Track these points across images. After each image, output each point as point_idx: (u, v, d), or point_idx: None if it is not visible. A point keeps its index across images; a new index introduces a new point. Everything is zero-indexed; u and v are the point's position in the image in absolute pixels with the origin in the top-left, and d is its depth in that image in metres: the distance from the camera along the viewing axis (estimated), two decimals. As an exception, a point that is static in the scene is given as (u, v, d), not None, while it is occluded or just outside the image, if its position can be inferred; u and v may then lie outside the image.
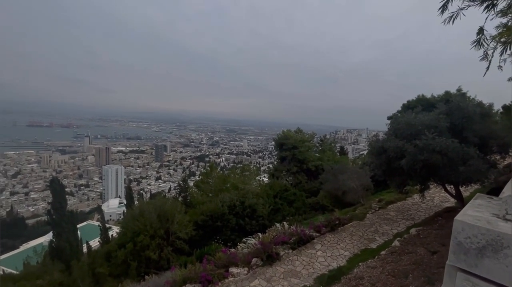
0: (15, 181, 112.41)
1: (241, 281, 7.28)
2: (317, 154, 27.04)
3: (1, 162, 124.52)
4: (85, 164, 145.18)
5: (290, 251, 8.88)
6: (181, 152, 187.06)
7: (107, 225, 23.27)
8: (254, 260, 8.12)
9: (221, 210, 14.00)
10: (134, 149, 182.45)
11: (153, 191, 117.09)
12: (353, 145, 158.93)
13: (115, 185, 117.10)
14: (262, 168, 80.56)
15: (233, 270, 7.76)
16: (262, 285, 7.11)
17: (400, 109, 18.48)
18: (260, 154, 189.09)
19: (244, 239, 10.49)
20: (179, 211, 12.58)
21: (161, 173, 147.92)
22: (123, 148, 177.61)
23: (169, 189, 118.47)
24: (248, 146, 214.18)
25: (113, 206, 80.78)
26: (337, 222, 10.34)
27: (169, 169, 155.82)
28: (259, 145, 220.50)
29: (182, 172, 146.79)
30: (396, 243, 8.65)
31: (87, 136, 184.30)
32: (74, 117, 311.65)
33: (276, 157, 31.52)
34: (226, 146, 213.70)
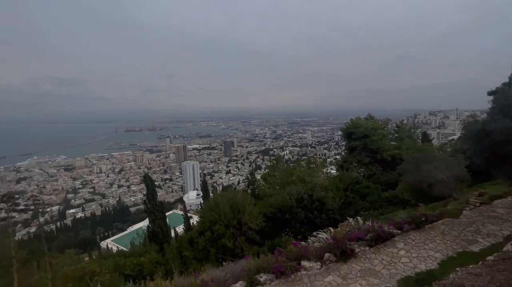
0: (120, 177, 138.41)
1: (314, 276, 7.12)
2: (393, 143, 24.19)
3: (110, 161, 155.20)
4: (168, 161, 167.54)
5: (367, 248, 8.22)
6: (247, 147, 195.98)
7: (188, 215, 26.43)
8: (326, 255, 7.83)
9: (289, 203, 14.04)
10: (206, 146, 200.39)
11: (224, 184, 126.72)
12: (438, 130, 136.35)
13: (193, 178, 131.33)
14: (328, 159, 77.19)
15: (305, 263, 7.66)
16: (337, 281, 6.79)
17: (508, 80, 14.66)
18: (326, 145, 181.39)
19: (314, 233, 10.24)
20: (249, 203, 13.21)
21: (230, 167, 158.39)
22: (197, 146, 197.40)
23: (238, 182, 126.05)
24: (312, 137, 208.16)
25: (192, 197, 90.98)
26: (423, 218, 9.02)
27: (237, 163, 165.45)
28: (323, 136, 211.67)
29: (249, 166, 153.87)
30: (509, 247, 6.98)
31: (168, 136, 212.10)
32: (157, 121, 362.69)
33: (344, 148, 29.62)
34: (290, 139, 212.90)
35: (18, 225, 69.10)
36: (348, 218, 10.85)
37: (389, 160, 22.14)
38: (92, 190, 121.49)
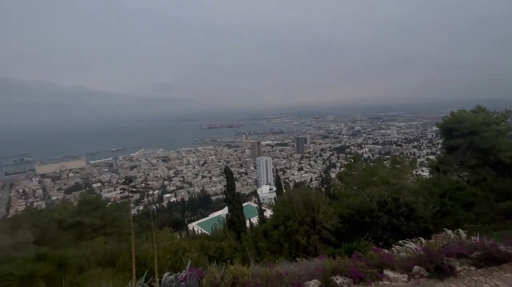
0: (203, 168, 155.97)
1: (400, 289, 6.36)
2: (514, 141, 19.00)
3: (195, 155, 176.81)
4: (244, 156, 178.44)
5: (472, 268, 6.77)
6: (320, 143, 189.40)
7: (262, 207, 27.68)
8: (416, 268, 6.86)
9: (369, 205, 12.90)
10: (279, 142, 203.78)
11: (296, 181, 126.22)
12: None
13: (265, 173, 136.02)
14: (419, 160, 66.68)
15: (389, 273, 6.91)
16: (430, 300, 5.87)
17: None
18: (415, 143, 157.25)
19: (400, 242, 9.12)
20: (323, 201, 12.82)
21: (302, 164, 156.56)
22: (270, 142, 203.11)
23: (311, 180, 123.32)
24: (397, 134, 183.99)
25: (265, 191, 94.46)
26: None
27: (309, 160, 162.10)
28: (413, 132, 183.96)
29: (322, 163, 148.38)
30: None
31: (243, 133, 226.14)
32: (235, 119, 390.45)
33: (440, 146, 25.02)
34: (370, 136, 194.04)
35: (132, 203, 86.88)
36: (445, 229, 9.20)
37: (507, 163, 17.50)
38: (182, 179, 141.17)
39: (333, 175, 25.58)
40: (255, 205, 63.66)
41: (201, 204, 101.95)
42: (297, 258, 10.37)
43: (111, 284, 7.18)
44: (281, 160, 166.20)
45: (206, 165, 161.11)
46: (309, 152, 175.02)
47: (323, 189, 20.47)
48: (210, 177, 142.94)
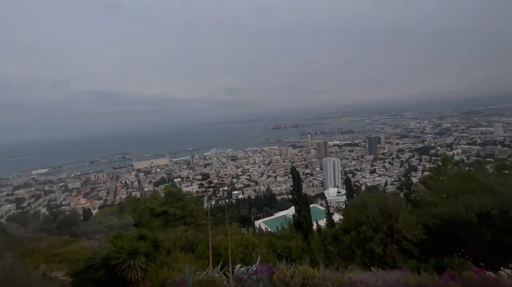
0: (269, 168, 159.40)
1: (515, 324, 5.14)
2: None
3: (261, 154, 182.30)
4: (309, 156, 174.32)
5: None
6: (397, 143, 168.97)
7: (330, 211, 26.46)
8: (539, 301, 5.41)
9: (464, 216, 10.78)
10: (348, 142, 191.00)
11: (368, 184, 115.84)
12: None
13: (333, 175, 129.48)
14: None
15: (497, 302, 5.66)
16: None
17: None
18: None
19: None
20: (403, 209, 11.38)
21: (375, 166, 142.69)
22: (338, 142, 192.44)
23: (385, 184, 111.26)
24: (504, 132, 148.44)
25: (332, 194, 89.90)
26: None
27: (384, 162, 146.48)
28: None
29: (400, 166, 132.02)
30: None
31: (309, 133, 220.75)
32: (300, 119, 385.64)
33: None
34: (463, 134, 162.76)
35: (206, 197, 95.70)
36: None
37: None
38: (249, 177, 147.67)
39: (414, 180, 22.41)
40: (322, 207, 61.31)
41: (267, 203, 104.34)
42: (372, 268, 9.54)
43: (193, 268, 8.10)
44: (351, 162, 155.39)
45: (271, 165, 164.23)
46: (383, 153, 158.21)
47: (401, 195, 18.17)
48: (275, 177, 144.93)
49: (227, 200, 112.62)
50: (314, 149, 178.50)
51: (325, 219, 23.59)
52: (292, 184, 19.72)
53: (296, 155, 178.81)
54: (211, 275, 7.88)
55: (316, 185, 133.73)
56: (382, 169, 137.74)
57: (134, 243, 7.63)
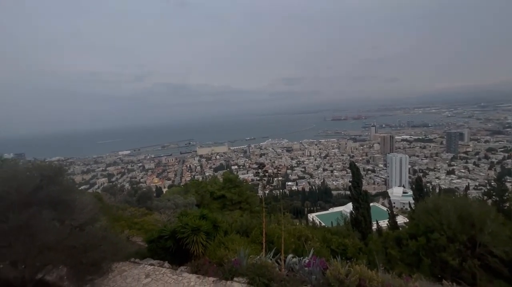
0: (325, 161, 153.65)
1: None
2: None
3: (317, 147, 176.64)
4: (371, 151, 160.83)
5: None
6: (487, 141, 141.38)
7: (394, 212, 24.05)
8: None
9: None
10: (420, 137, 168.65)
11: (443, 187, 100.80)
12: None
13: (399, 173, 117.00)
14: None
15: None
16: None
17: None
18: None
19: None
20: (492, 219, 9.49)
21: (454, 167, 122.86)
22: (407, 137, 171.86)
23: (467, 188, 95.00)
24: None
25: (397, 194, 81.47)
26: None
27: (466, 162, 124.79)
28: None
29: (489, 169, 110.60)
30: None
31: (373, 125, 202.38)
32: (363, 110, 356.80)
33: None
34: None
35: (260, 186, 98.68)
36: None
37: None
38: (303, 169, 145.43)
39: (509, 186, 18.38)
40: (383, 207, 56.59)
41: (321, 197, 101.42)
42: (444, 281, 8.38)
43: (247, 251, 8.51)
44: (422, 160, 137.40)
45: (328, 158, 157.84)
46: (466, 152, 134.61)
47: (490, 203, 15.15)
48: (332, 171, 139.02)
49: (281, 190, 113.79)
50: (378, 143, 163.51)
51: (387, 220, 21.58)
52: (351, 179, 18.56)
53: (356, 149, 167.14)
54: (264, 260, 8.15)
55: (378, 183, 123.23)
56: (463, 171, 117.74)
57: (197, 221, 8.44)
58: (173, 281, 7.72)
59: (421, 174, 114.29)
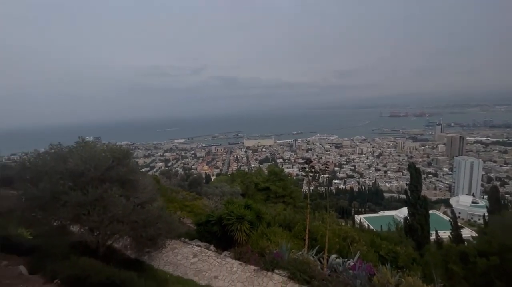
0: (378, 161, 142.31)
1: None
2: None
3: (371, 145, 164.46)
4: (435, 153, 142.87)
5: None
6: None
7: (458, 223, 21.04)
8: None
9: None
10: (500, 140, 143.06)
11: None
12: None
13: (468, 180, 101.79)
14: None
15: None
16: None
17: None
18: None
19: None
20: None
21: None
22: (482, 138, 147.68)
23: None
24: None
25: (464, 203, 71.11)
26: None
27: None
28: None
29: None
30: None
31: (438, 124, 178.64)
32: (427, 106, 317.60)
33: None
34: None
35: (305, 182, 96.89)
36: None
37: None
38: (353, 168, 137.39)
39: None
40: (445, 217, 50.39)
41: (371, 198, 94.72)
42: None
43: (289, 245, 8.50)
44: (500, 166, 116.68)
45: (381, 157, 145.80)
46: None
47: None
48: (385, 172, 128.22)
49: (327, 187, 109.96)
50: (444, 144, 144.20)
51: (450, 231, 19.03)
52: (408, 182, 16.80)
53: (416, 149, 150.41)
54: (306, 257, 8.04)
55: (440, 189, 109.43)
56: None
57: (242, 211, 8.74)
58: (217, 264, 8.21)
59: (498, 183, 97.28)
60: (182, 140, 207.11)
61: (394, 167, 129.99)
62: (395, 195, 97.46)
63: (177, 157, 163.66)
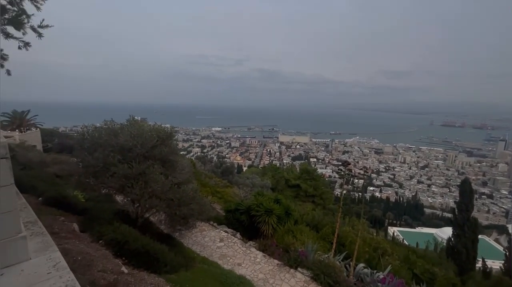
0: (422, 172, 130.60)
1: None
2: None
3: (415, 154, 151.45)
4: (493, 172, 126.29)
5: None
6: None
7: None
8: None
9: None
10: None
11: None
12: None
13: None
14: None
15: None
16: None
17: None
18: None
19: None
20: None
21: None
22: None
23: None
24: None
25: (524, 233, 61.87)
26: None
27: None
28: None
29: None
30: None
31: (502, 139, 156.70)
32: (491, 118, 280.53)
33: None
34: None
35: (337, 184, 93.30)
36: None
37: None
38: (392, 176, 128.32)
39: None
40: (497, 245, 44.83)
41: (409, 212, 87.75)
42: None
43: (315, 246, 8.30)
44: None
45: (427, 169, 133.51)
46: None
47: None
48: (429, 185, 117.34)
49: (361, 193, 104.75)
50: (506, 163, 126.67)
51: (502, 262, 16.76)
52: (456, 200, 15.12)
53: (470, 165, 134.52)
54: (332, 261, 7.78)
55: (494, 213, 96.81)
56: None
57: (271, 204, 8.75)
58: (242, 252, 8.38)
59: None
60: (219, 129, 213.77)
61: (441, 182, 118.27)
62: (438, 212, 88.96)
63: (213, 144, 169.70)
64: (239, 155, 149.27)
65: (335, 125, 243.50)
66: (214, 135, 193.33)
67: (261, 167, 45.74)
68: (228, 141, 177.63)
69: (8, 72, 5.61)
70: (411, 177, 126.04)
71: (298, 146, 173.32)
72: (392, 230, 54.15)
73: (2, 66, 5.43)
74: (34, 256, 2.30)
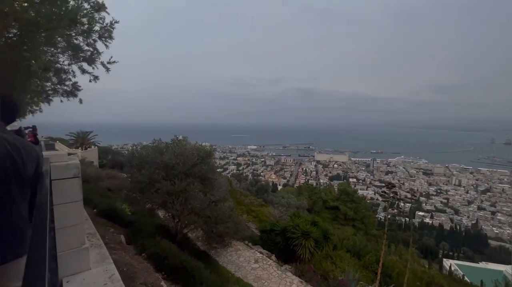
0: (484, 197, 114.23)
1: None
2: None
3: (473, 176, 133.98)
4: None
5: None
6: None
7: None
8: None
9: None
10: None
11: None
12: None
13: None
14: None
15: None
16: None
17: None
18: None
19: None
20: None
21: None
22: None
23: None
24: None
25: None
26: None
27: None
28: None
29: None
30: None
31: None
32: None
33: None
34: None
35: (380, 207, 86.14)
36: None
37: None
38: (445, 201, 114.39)
39: None
40: None
41: (468, 243, 76.34)
42: None
43: (357, 275, 7.65)
44: None
45: (489, 194, 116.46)
46: None
47: None
48: (493, 213, 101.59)
49: (407, 218, 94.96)
50: None
51: None
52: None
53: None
54: (377, 294, 7.07)
55: None
56: None
57: (308, 227, 8.41)
58: (277, 276, 8.07)
59: None
60: (255, 147, 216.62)
61: (508, 209, 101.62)
62: (507, 245, 75.80)
63: (248, 162, 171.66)
64: (274, 174, 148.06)
65: (376, 143, 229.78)
66: (250, 153, 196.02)
67: (296, 186, 44.63)
68: (263, 159, 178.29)
69: (80, 101, 6.59)
70: (469, 203, 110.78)
71: (335, 165, 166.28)
72: (449, 263, 47.38)
73: (76, 95, 6.41)
74: (93, 267, 2.54)
